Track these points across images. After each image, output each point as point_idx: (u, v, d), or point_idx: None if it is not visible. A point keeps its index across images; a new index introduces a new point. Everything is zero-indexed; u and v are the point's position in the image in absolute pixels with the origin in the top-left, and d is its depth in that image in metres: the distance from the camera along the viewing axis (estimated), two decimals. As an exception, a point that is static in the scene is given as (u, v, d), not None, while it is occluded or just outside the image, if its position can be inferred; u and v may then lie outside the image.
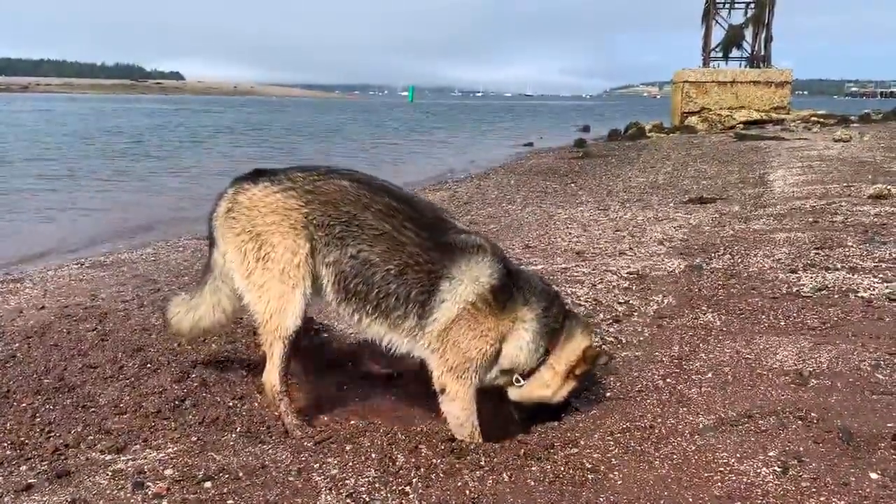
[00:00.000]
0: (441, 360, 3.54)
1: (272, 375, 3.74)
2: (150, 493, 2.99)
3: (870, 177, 12.43)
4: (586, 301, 5.75)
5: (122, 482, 3.08)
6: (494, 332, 3.52)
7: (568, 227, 9.41)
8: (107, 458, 3.34)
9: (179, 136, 35.74)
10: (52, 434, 3.56)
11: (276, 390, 3.73)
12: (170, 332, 4.27)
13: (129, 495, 2.98)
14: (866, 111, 37.43)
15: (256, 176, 3.79)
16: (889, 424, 3.27)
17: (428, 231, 3.58)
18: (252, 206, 3.68)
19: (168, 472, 3.17)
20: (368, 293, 3.57)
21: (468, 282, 3.49)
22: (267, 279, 3.63)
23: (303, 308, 3.66)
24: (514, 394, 3.70)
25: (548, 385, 3.64)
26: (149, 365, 4.39)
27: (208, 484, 3.04)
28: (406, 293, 3.52)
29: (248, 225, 3.68)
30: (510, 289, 3.57)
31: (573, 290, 6.06)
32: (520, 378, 3.65)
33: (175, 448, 3.44)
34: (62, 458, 3.34)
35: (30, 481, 3.10)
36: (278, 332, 3.66)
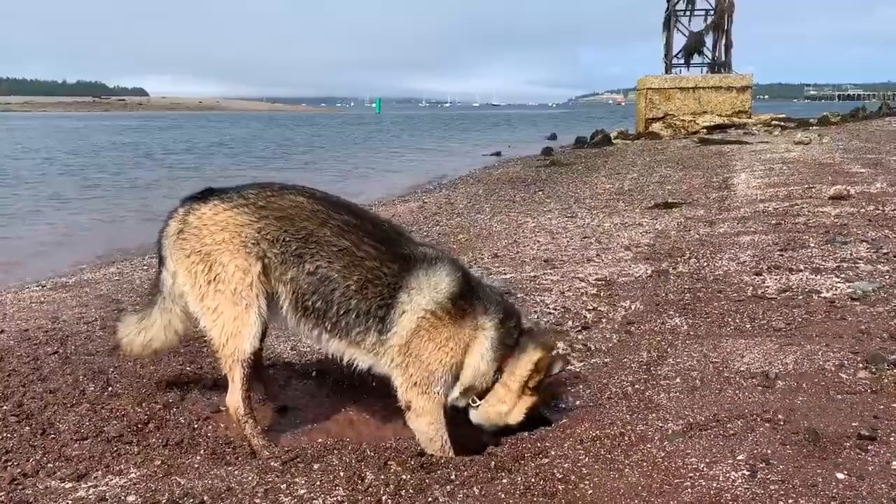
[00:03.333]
0: (405, 375, 3.49)
1: (235, 398, 3.66)
2: (111, 520, 2.91)
3: (830, 178, 12.68)
4: (555, 309, 5.75)
5: (82, 511, 2.99)
6: (455, 340, 3.48)
7: (536, 236, 9.44)
8: (67, 487, 3.24)
9: (144, 152, 35.32)
10: (10, 463, 3.45)
11: (241, 413, 3.65)
12: (123, 352, 4.19)
13: (89, 524, 2.89)
14: (825, 114, 38.24)
15: (207, 195, 3.71)
16: (854, 423, 3.30)
17: (386, 245, 3.55)
18: (201, 226, 3.59)
19: (131, 498, 3.08)
20: (327, 310, 3.51)
21: (427, 290, 3.46)
22: (220, 301, 3.54)
23: (259, 329, 3.58)
24: (473, 416, 3.66)
25: (503, 402, 3.56)
26: (111, 388, 4.29)
27: (172, 509, 2.96)
28: (366, 308, 3.47)
29: (197, 245, 3.58)
30: (470, 297, 3.54)
31: (542, 297, 6.07)
32: (476, 399, 3.61)
33: (138, 473, 3.36)
34: (20, 487, 3.23)
35: (-15, 513, 3.00)
36: (236, 355, 3.58)
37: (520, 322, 3.69)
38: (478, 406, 3.62)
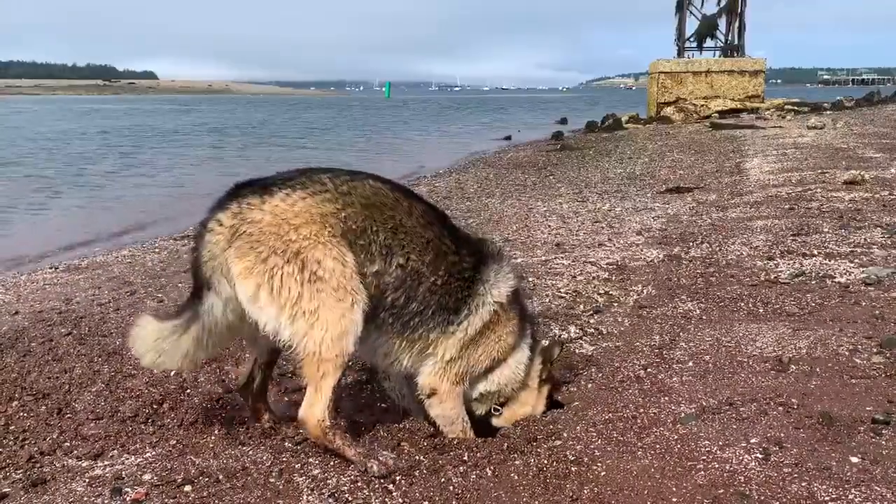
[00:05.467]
0: (446, 363, 3.40)
1: (319, 409, 3.14)
2: (128, 498, 2.94)
3: (843, 163, 12.57)
4: (566, 293, 5.74)
5: (99, 489, 3.03)
6: (512, 336, 3.50)
7: (547, 220, 9.42)
8: (83, 465, 3.28)
9: (153, 136, 35.42)
10: (27, 441, 3.49)
11: (327, 426, 3.15)
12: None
13: (106, 502, 2.92)
14: (839, 98, 37.89)
15: (263, 187, 3.16)
16: (868, 408, 3.29)
17: (460, 237, 3.45)
18: (279, 222, 3.05)
19: (147, 476, 3.12)
20: (405, 306, 3.26)
21: (501, 283, 3.45)
22: (320, 302, 3.04)
23: (361, 325, 3.13)
24: (495, 422, 3.67)
25: (527, 404, 3.64)
26: (125, 369, 4.32)
27: (188, 488, 2.99)
28: (445, 303, 3.32)
29: (278, 244, 3.02)
30: (522, 298, 3.60)
31: (553, 282, 6.06)
32: (498, 407, 3.63)
33: (153, 452, 3.39)
34: (38, 465, 3.27)
35: (4, 490, 3.04)
36: (339, 358, 3.10)
37: (533, 320, 3.76)
38: (500, 414, 3.64)
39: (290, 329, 3.07)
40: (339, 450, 3.16)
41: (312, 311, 3.05)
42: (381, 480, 2.99)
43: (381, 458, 3.10)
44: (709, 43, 37.79)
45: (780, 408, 3.36)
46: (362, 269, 3.14)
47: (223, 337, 3.29)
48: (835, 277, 5.64)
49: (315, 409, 3.14)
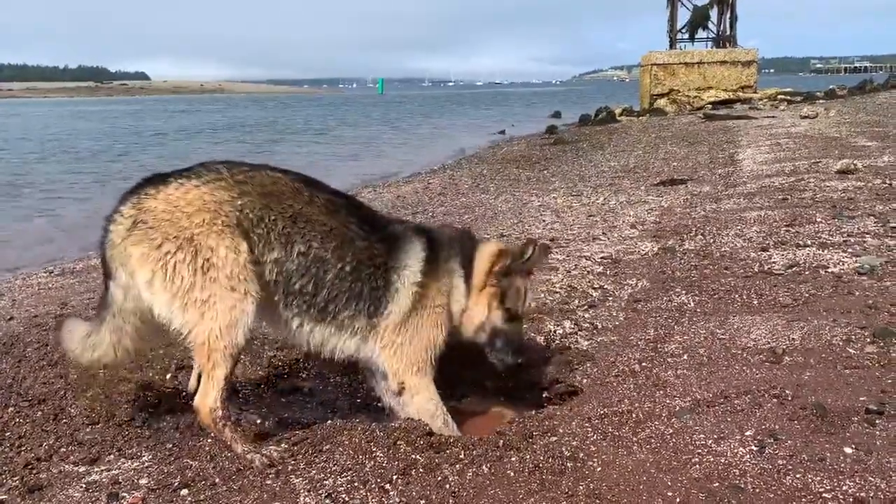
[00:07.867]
0: (399, 354, 3.48)
1: (211, 399, 3.22)
2: (125, 503, 2.94)
3: (836, 152, 12.59)
4: (561, 287, 5.75)
5: (96, 494, 3.04)
6: (443, 304, 3.58)
7: (541, 214, 9.42)
8: (80, 470, 3.29)
9: (158, 137, 35.35)
10: (23, 448, 3.49)
11: (219, 416, 3.24)
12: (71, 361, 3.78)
13: (103, 507, 2.93)
14: (831, 87, 37.97)
15: (161, 178, 3.26)
16: (862, 398, 3.30)
17: (370, 224, 3.51)
18: (171, 210, 3.13)
19: (143, 481, 3.12)
20: (316, 294, 3.34)
21: (413, 265, 3.50)
22: (213, 291, 3.11)
23: (254, 317, 3.24)
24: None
25: (472, 309, 3.69)
26: (121, 373, 4.30)
27: (185, 491, 2.99)
28: (359, 291, 3.40)
29: (171, 232, 3.10)
30: (438, 251, 3.61)
31: (548, 276, 6.06)
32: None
33: (150, 456, 3.39)
34: (34, 472, 3.28)
35: (1, 497, 3.04)
36: (228, 349, 3.18)
37: (470, 234, 3.89)
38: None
39: (182, 318, 3.16)
40: (227, 440, 3.26)
41: (204, 301, 3.12)
42: (378, 479, 2.99)
43: (265, 453, 3.19)
44: (701, 34, 37.90)
45: (775, 400, 3.36)
46: (262, 257, 3.23)
47: (139, 323, 3.31)
48: (828, 268, 5.65)
49: (207, 398, 3.23)
